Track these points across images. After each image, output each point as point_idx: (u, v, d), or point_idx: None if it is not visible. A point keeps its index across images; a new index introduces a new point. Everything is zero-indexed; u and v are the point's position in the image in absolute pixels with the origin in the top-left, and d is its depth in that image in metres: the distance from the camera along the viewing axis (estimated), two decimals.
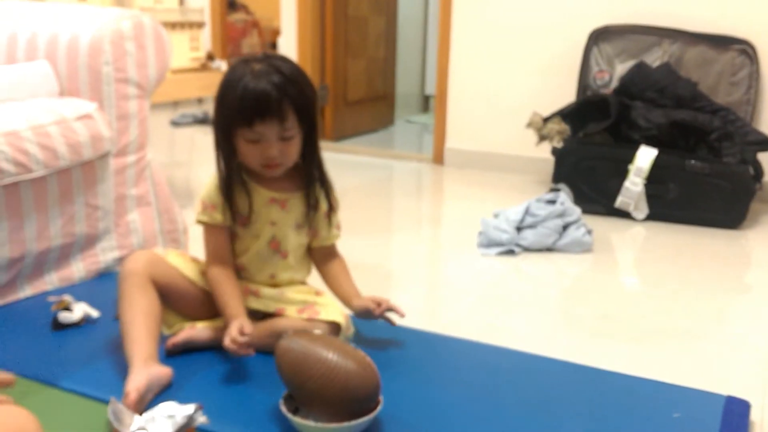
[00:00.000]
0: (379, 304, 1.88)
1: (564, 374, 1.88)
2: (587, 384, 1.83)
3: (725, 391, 1.78)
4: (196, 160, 4.45)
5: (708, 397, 1.75)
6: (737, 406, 1.72)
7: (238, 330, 1.69)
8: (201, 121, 5.54)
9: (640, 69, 3.64)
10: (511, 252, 2.91)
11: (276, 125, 1.73)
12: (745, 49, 3.65)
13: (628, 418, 1.67)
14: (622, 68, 3.82)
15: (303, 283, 2.01)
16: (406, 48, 6.55)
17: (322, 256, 1.99)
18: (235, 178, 1.84)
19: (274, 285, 1.95)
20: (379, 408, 1.54)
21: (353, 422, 1.50)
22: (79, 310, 2.04)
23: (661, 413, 1.68)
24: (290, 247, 1.94)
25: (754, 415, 1.73)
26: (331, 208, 1.94)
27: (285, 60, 1.78)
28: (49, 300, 2.08)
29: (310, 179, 1.89)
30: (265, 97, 1.71)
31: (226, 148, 1.81)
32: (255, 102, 1.71)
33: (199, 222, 1.89)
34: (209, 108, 5.78)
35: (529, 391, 1.80)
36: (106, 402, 1.61)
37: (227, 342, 1.69)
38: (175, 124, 5.53)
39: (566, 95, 3.95)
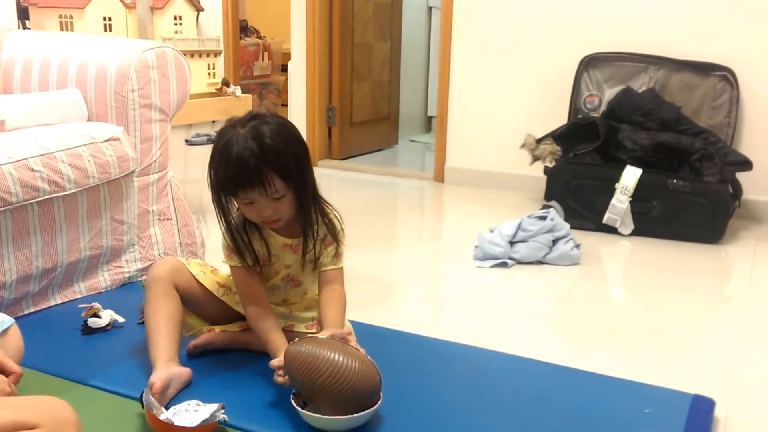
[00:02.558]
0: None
1: (550, 375, 1.99)
2: (569, 383, 1.94)
3: (697, 390, 1.88)
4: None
5: (677, 395, 1.86)
6: (703, 404, 1.82)
7: (279, 365, 1.70)
8: (214, 140, 5.63)
9: (626, 94, 3.74)
10: (504, 264, 3.00)
11: (258, 192, 1.72)
12: (726, 75, 3.74)
13: (604, 414, 1.77)
14: (610, 93, 3.90)
15: (314, 299, 2.02)
16: (410, 71, 6.55)
17: (321, 281, 1.95)
18: (250, 228, 1.86)
19: (286, 304, 2.02)
20: (379, 403, 1.65)
21: (357, 415, 1.61)
22: (107, 316, 2.16)
23: (633, 409, 1.79)
24: (303, 278, 1.99)
25: (720, 412, 1.84)
26: (335, 240, 1.93)
27: (269, 121, 1.75)
28: (79, 307, 2.20)
29: (305, 228, 1.87)
30: (244, 169, 1.69)
31: (222, 207, 1.82)
32: (235, 174, 1.70)
33: (228, 264, 1.91)
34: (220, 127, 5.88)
35: (516, 389, 1.90)
36: (132, 398, 1.74)
37: (275, 378, 1.71)
38: (189, 143, 5.65)
39: (558, 118, 4.01)
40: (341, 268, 1.97)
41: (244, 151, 1.69)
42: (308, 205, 1.84)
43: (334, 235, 1.92)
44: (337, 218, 1.95)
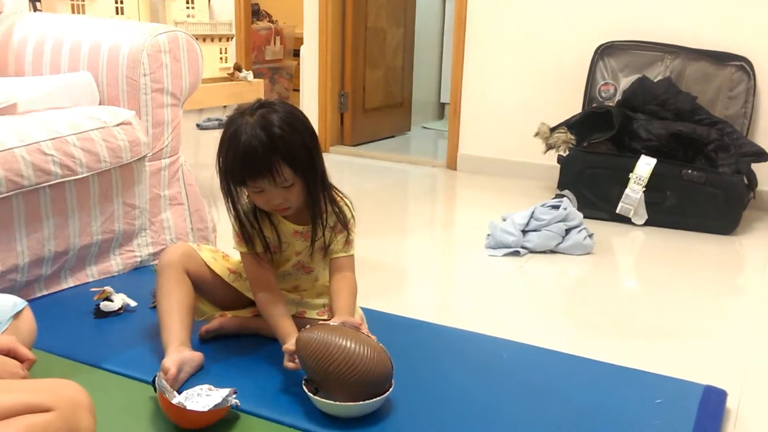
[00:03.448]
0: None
1: (561, 364, 1.99)
2: (581, 373, 1.94)
3: (709, 381, 1.88)
4: None
5: (688, 386, 1.86)
6: (715, 395, 1.82)
7: (291, 350, 1.71)
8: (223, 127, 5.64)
9: (642, 83, 3.73)
10: (516, 253, 2.99)
11: (267, 181, 1.71)
12: (743, 65, 3.72)
13: (614, 404, 1.77)
14: (625, 82, 3.89)
15: (325, 285, 2.02)
16: (423, 57, 6.54)
17: (332, 268, 1.95)
18: (261, 215, 1.86)
19: (297, 290, 2.03)
20: (391, 390, 1.65)
21: (368, 402, 1.61)
22: (119, 300, 2.17)
23: (644, 400, 1.79)
24: (314, 265, 1.99)
25: (731, 403, 1.84)
26: (345, 228, 1.92)
27: (278, 109, 1.74)
28: (91, 290, 2.20)
29: (314, 216, 1.86)
30: (252, 158, 1.68)
31: (231, 194, 1.80)
32: (243, 162, 1.69)
33: (238, 251, 1.91)
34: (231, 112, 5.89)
35: (528, 378, 1.90)
36: (144, 382, 1.75)
37: (285, 363, 1.72)
38: (201, 127, 5.66)
39: (573, 106, 3.99)
40: (352, 255, 1.96)
41: (252, 140, 1.68)
42: (318, 193, 1.83)
43: (344, 223, 1.92)
44: (348, 206, 1.94)
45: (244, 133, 1.69)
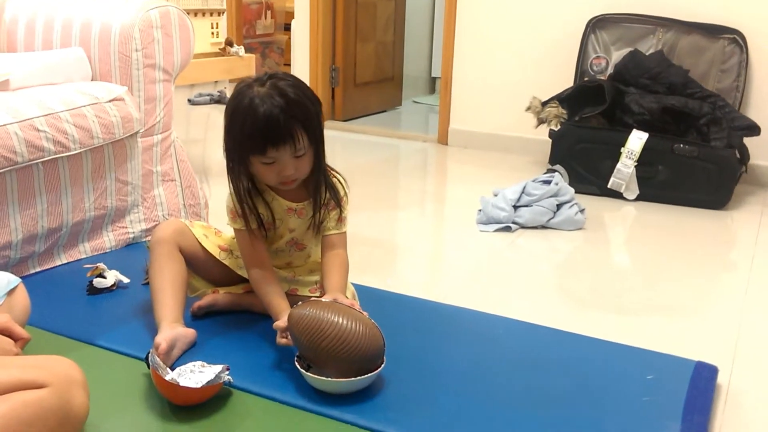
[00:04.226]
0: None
1: (552, 340, 2.00)
2: (572, 349, 1.95)
3: (700, 357, 1.89)
4: (211, 138, 4.51)
5: (679, 362, 1.87)
6: (705, 371, 1.83)
7: (283, 327, 1.72)
8: (217, 100, 5.60)
9: (634, 56, 3.72)
10: (508, 229, 3.00)
11: (288, 148, 1.72)
12: (735, 38, 3.71)
13: (607, 379, 1.79)
14: (617, 55, 3.88)
15: (317, 262, 2.02)
16: (414, 31, 6.51)
17: (324, 245, 1.95)
18: (254, 192, 1.85)
19: (290, 267, 2.03)
20: (382, 366, 1.67)
21: (360, 378, 1.62)
22: (112, 276, 2.17)
23: (636, 375, 1.80)
24: (307, 242, 1.99)
25: (722, 378, 1.85)
26: (338, 205, 1.92)
27: (287, 78, 1.76)
28: (84, 267, 2.21)
29: (317, 186, 1.87)
30: (274, 124, 1.68)
31: (240, 170, 1.81)
32: (264, 131, 1.69)
33: (232, 227, 1.92)
34: (223, 87, 5.86)
35: (519, 354, 1.92)
36: (137, 358, 1.76)
37: (278, 340, 1.74)
38: (192, 102, 5.62)
39: (564, 80, 3.98)
40: (344, 232, 1.97)
41: (273, 108, 1.68)
42: (323, 164, 1.85)
43: (337, 200, 1.92)
44: (341, 183, 1.95)
45: (261, 103, 1.68)
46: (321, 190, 1.88)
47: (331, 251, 1.94)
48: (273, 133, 1.69)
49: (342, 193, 1.94)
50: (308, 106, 1.73)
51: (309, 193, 1.89)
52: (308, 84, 4.97)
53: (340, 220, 1.95)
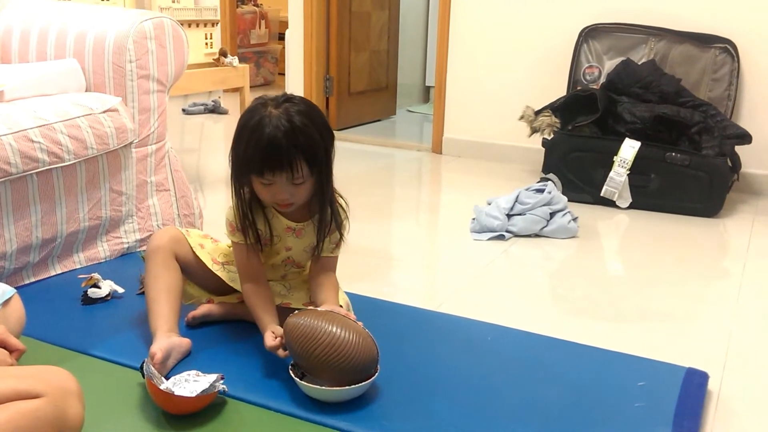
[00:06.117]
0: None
1: (544, 347, 2.01)
2: (564, 356, 1.96)
3: (691, 363, 1.90)
4: (205, 148, 4.50)
5: (670, 368, 1.88)
6: (696, 377, 1.85)
7: (271, 338, 1.73)
8: (211, 110, 5.61)
9: (626, 66, 3.73)
10: (501, 237, 3.00)
11: (285, 175, 1.71)
12: (726, 47, 3.73)
13: (599, 385, 1.80)
14: (610, 64, 3.89)
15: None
16: (408, 41, 6.52)
17: (317, 266, 1.96)
18: (254, 206, 1.85)
19: (284, 280, 2.03)
20: (377, 375, 1.67)
21: (354, 386, 1.63)
22: (107, 286, 2.17)
23: (627, 382, 1.81)
24: (303, 261, 2.00)
25: (713, 385, 1.87)
26: (338, 229, 1.91)
27: (302, 104, 1.74)
28: (79, 277, 2.21)
29: (321, 215, 1.87)
30: (275, 149, 1.68)
31: (242, 183, 1.81)
32: (264, 155, 1.69)
33: (230, 239, 1.92)
34: (218, 97, 5.86)
35: (512, 362, 1.92)
36: (132, 368, 1.76)
37: (278, 353, 1.73)
38: (186, 112, 5.62)
39: (557, 89, 3.99)
40: (337, 256, 1.98)
41: (277, 133, 1.67)
42: (326, 194, 1.84)
43: (337, 224, 1.91)
44: (344, 207, 1.94)
45: (268, 124, 1.68)
46: (325, 219, 1.88)
47: (323, 273, 1.95)
48: (271, 158, 1.69)
49: (343, 216, 1.93)
50: (314, 136, 1.72)
51: (310, 214, 1.89)
52: (302, 93, 4.96)
53: (337, 244, 1.95)
